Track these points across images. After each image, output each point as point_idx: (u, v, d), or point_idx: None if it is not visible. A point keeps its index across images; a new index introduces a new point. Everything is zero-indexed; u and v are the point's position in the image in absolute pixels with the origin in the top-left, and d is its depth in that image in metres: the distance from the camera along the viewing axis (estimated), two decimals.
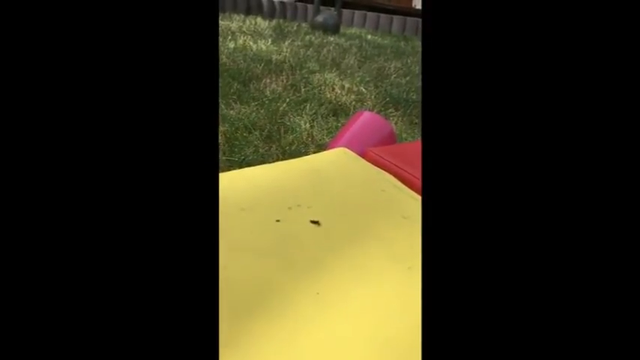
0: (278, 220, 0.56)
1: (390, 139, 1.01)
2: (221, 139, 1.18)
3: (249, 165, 1.08)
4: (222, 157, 1.07)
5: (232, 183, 0.63)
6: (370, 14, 4.09)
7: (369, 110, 1.66)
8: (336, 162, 0.78)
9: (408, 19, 4.09)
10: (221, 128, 1.23)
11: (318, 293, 0.44)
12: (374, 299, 0.44)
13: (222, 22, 2.80)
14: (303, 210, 0.59)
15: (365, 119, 1.03)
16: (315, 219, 0.57)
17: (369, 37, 3.35)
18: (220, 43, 2.20)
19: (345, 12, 3.94)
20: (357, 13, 4.07)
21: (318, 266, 0.48)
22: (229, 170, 1.05)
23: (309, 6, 3.66)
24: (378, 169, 0.78)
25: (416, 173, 0.76)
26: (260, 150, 1.14)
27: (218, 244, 0.31)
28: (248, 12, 3.60)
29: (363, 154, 0.87)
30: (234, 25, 2.75)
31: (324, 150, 1.10)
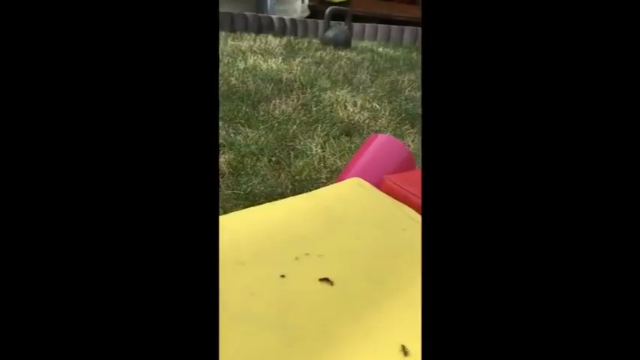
0: (283, 276, 0.48)
1: (408, 163, 0.93)
2: (226, 168, 1.12)
3: (255, 197, 1.02)
4: (226, 191, 1.01)
5: (230, 229, 0.56)
6: (381, 26, 4.04)
7: (384, 129, 1.58)
8: (350, 196, 0.70)
9: (420, 29, 4.03)
10: (227, 156, 1.17)
11: None
12: None
13: (233, 43, 2.78)
14: (312, 260, 0.52)
15: (380, 143, 0.95)
16: (327, 273, 0.49)
17: (381, 49, 3.29)
18: (230, 64, 2.16)
19: (356, 25, 3.90)
20: (368, 26, 4.03)
21: (329, 341, 0.40)
22: (234, 203, 0.99)
23: (320, 22, 3.64)
24: (397, 202, 0.70)
25: None
26: (268, 179, 1.07)
27: (218, 311, 0.27)
28: (259, 31, 3.60)
29: (379, 184, 0.79)
30: (244, 45, 2.73)
31: (337, 176, 1.03)
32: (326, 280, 0.47)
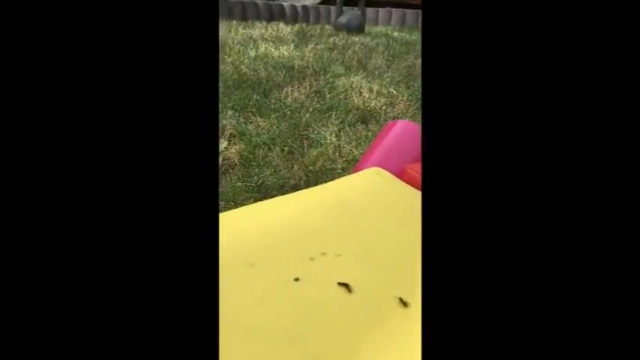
0: (297, 279, 0.43)
1: None
2: (237, 159, 1.07)
3: (267, 189, 0.96)
4: (237, 183, 0.96)
5: (237, 225, 0.50)
6: (395, 10, 3.92)
7: (402, 115, 1.51)
8: (369, 188, 0.64)
9: None
10: (237, 147, 1.12)
11: None
12: None
13: (244, 31, 2.73)
14: (329, 261, 0.46)
15: (399, 130, 0.88)
16: (346, 276, 0.43)
17: (396, 34, 3.18)
18: (241, 53, 2.11)
19: (369, 10, 3.79)
20: (382, 11, 3.91)
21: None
22: (245, 196, 0.94)
23: (332, 8, 3.55)
24: (421, 193, 0.63)
25: None
26: (281, 170, 1.02)
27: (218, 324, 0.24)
28: (271, 19, 3.53)
29: (400, 173, 0.73)
30: (255, 33, 2.67)
31: (354, 166, 0.97)
32: (345, 285, 0.42)
